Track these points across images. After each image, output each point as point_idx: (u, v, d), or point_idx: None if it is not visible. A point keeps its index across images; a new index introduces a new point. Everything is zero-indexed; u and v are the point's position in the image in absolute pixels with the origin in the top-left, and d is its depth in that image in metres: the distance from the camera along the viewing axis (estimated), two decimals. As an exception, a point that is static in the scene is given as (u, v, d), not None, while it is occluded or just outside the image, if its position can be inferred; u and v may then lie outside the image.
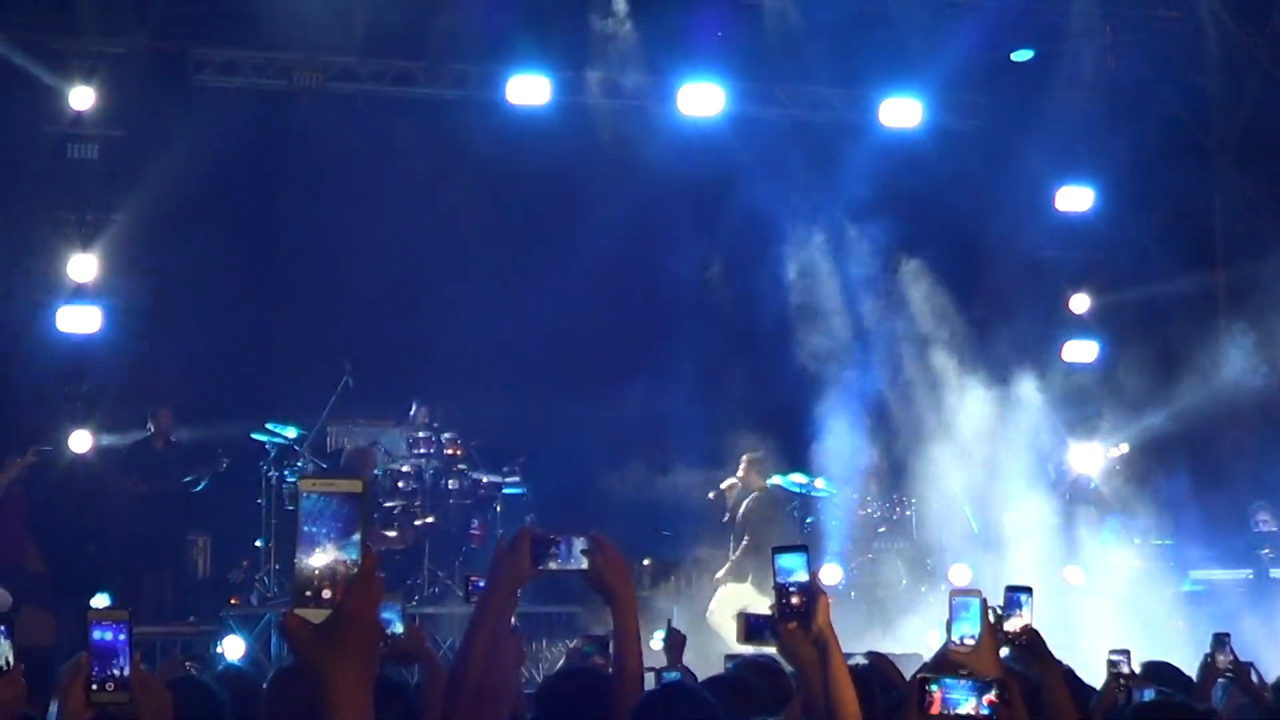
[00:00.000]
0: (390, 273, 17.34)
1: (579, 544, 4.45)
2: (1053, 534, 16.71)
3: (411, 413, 16.69)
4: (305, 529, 2.36)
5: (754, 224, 17.15)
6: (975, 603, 4.47)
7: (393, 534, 15.80)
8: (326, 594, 2.35)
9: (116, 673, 3.70)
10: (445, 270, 17.34)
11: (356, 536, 2.37)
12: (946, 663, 4.38)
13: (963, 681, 3.80)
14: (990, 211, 18.15)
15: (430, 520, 16.05)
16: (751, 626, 4.61)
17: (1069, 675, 5.60)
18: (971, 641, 4.43)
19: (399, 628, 5.55)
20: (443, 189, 17.19)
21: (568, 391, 16.77)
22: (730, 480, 16.23)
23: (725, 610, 14.86)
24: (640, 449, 16.95)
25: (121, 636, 3.72)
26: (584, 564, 4.44)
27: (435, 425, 16.46)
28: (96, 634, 3.70)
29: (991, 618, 4.53)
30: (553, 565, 4.44)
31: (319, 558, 2.35)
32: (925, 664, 6.91)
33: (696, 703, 4.57)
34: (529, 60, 16.51)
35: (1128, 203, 18.21)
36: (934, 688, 3.76)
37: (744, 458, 16.05)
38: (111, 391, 16.07)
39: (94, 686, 3.68)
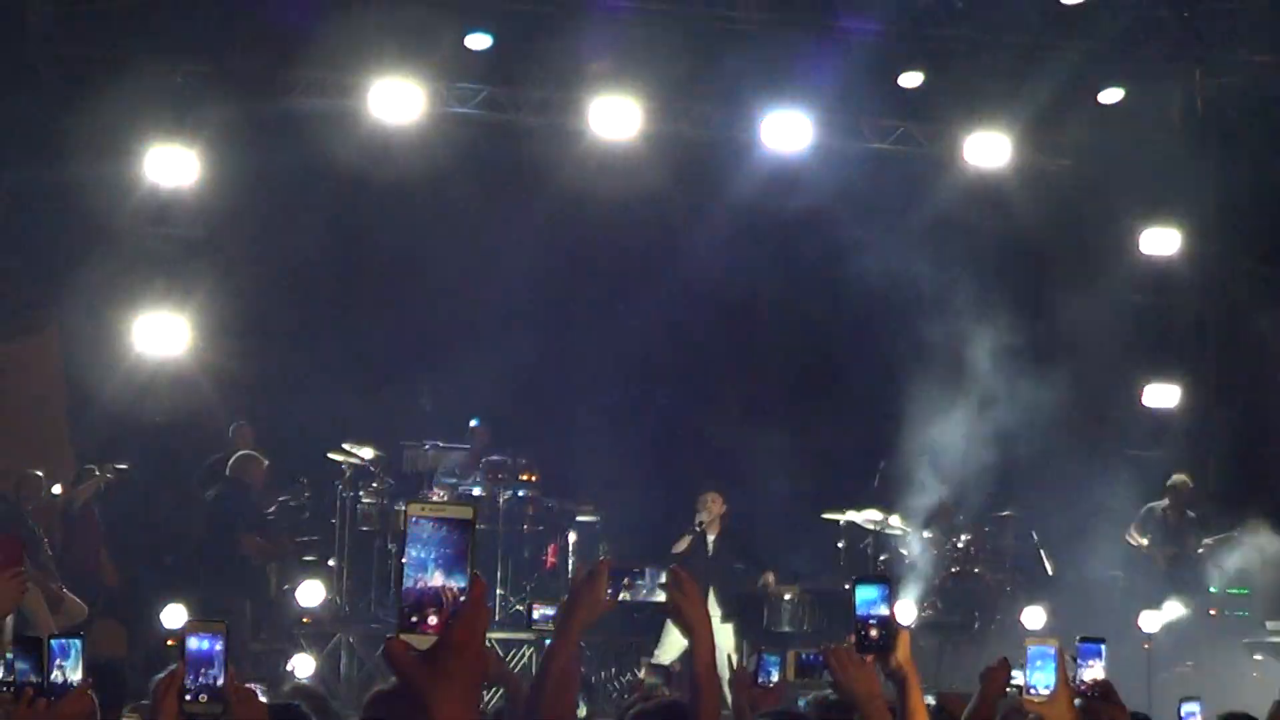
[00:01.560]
0: (470, 297, 17.39)
1: (656, 577, 4.45)
2: (1132, 579, 16.53)
3: (470, 430, 16.71)
4: (412, 554, 2.34)
5: (834, 257, 17.07)
6: (1052, 652, 4.45)
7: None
8: (432, 620, 2.33)
9: (210, 683, 3.75)
10: (525, 297, 17.37)
11: (465, 563, 2.35)
12: (1019, 711, 4.45)
13: None
14: (1075, 252, 17.99)
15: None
16: (803, 664, 4.55)
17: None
18: (1047, 692, 4.42)
19: None
20: (524, 215, 17.21)
21: (642, 421, 16.73)
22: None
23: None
24: (714, 481, 16.88)
25: (217, 647, 3.76)
26: (661, 596, 4.42)
27: (510, 450, 16.48)
28: (193, 643, 3.75)
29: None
30: (630, 596, 4.45)
31: (426, 583, 2.34)
32: (1007, 710, 6.83)
33: None
34: (614, 87, 16.50)
35: (1214, 246, 18.01)
36: None
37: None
38: (193, 408, 16.18)
39: (187, 696, 3.72)
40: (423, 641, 2.33)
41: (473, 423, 16.78)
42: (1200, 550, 16.66)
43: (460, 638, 2.33)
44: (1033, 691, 4.45)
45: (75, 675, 4.67)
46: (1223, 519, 16.77)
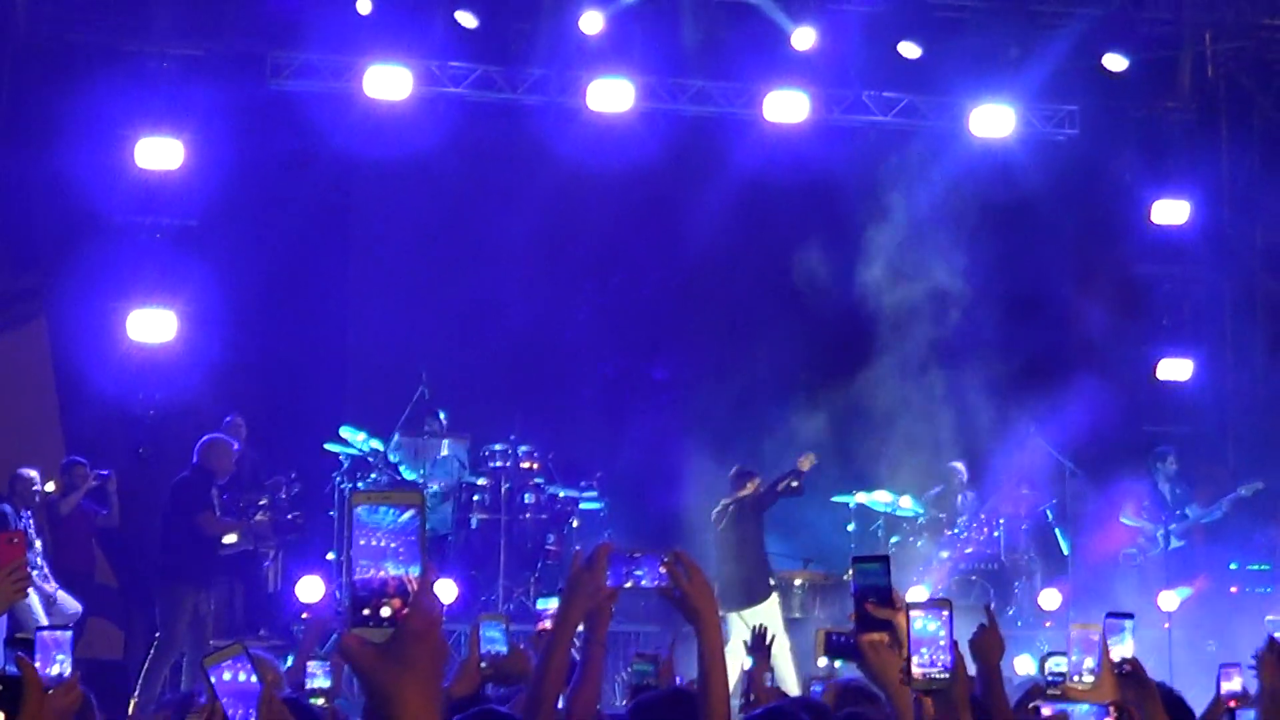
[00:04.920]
0: (466, 283, 17.18)
1: (659, 562, 4.26)
2: (1147, 557, 16.31)
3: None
4: (360, 544, 2.28)
5: (840, 233, 16.88)
6: (1096, 638, 4.39)
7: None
8: (386, 612, 2.26)
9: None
10: (522, 281, 17.16)
11: (416, 551, 2.28)
12: (1063, 697, 4.32)
13: (1080, 706, 3.58)
14: (1084, 224, 17.77)
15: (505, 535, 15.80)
16: (832, 643, 4.34)
17: (1174, 700, 5.41)
18: (1092, 679, 4.36)
19: (503, 647, 5.42)
20: (519, 197, 17.00)
21: (646, 404, 16.51)
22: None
23: None
24: (721, 464, 16.66)
25: (253, 679, 3.65)
26: (665, 583, 4.26)
27: (512, 438, 16.21)
28: (225, 675, 3.64)
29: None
30: (632, 584, 4.28)
31: (377, 575, 2.27)
32: (1028, 691, 6.61)
33: None
34: (611, 65, 16.28)
35: (1226, 216, 17.77)
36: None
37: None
38: (185, 399, 15.93)
39: None
40: (378, 635, 2.26)
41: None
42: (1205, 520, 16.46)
43: (417, 627, 2.27)
44: (1076, 678, 4.35)
45: (65, 669, 4.68)
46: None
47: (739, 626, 13.58)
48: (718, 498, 15.16)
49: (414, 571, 2.27)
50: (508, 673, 5.55)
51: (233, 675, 3.61)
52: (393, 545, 2.27)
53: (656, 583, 4.27)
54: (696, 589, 4.24)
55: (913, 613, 3.74)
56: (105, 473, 15.19)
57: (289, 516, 15.37)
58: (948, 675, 3.74)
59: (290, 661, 11.29)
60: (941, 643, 3.75)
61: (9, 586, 5.49)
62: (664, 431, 16.83)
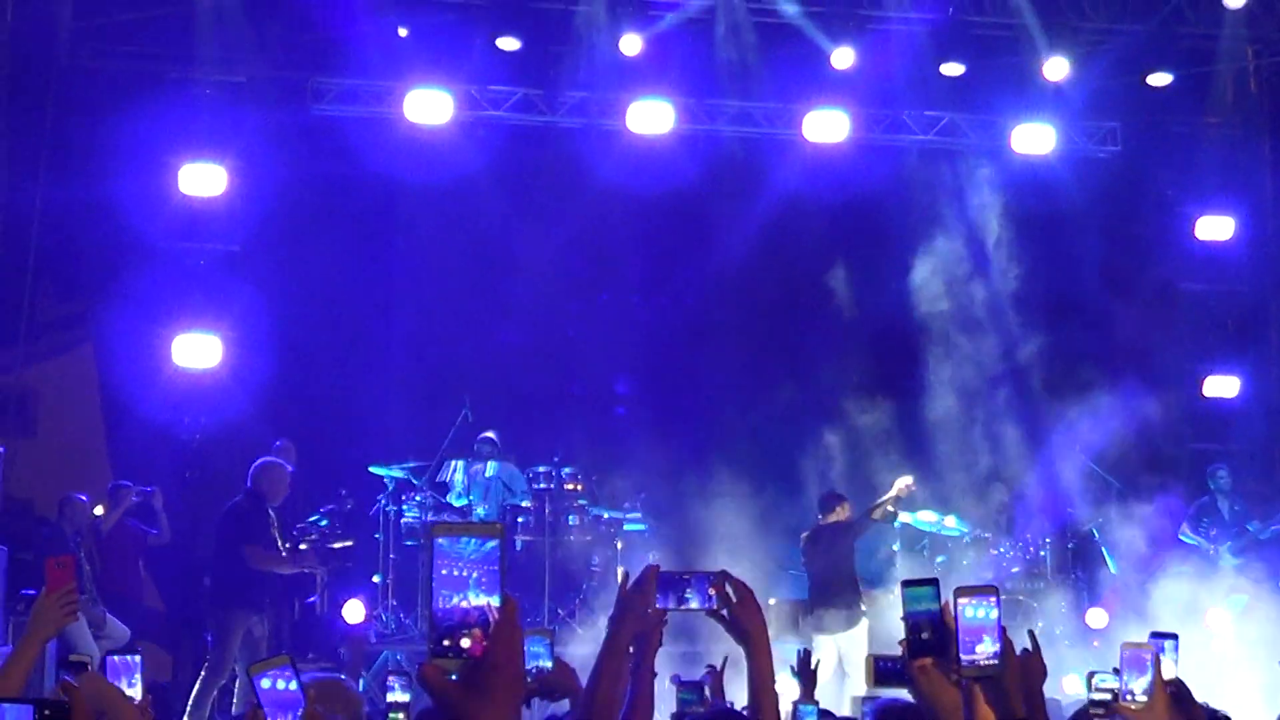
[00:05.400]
0: (507, 304, 17.19)
1: (708, 583, 4.24)
2: (1195, 577, 16.15)
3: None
4: (441, 574, 2.31)
5: (880, 252, 16.83)
6: (1148, 656, 4.29)
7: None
8: (465, 642, 2.30)
9: None
10: (562, 302, 17.19)
11: (497, 581, 2.32)
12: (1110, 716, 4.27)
13: None
14: (1127, 240, 17.67)
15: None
16: (881, 670, 4.29)
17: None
18: (1145, 699, 4.27)
19: (548, 662, 5.42)
20: (560, 219, 17.00)
21: (687, 424, 16.48)
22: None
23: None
24: (762, 484, 16.62)
25: (293, 685, 3.64)
26: (715, 604, 4.23)
27: (555, 460, 16.20)
28: (264, 683, 3.62)
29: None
30: (680, 606, 4.26)
31: (456, 605, 2.31)
32: (1077, 712, 6.52)
33: None
34: (651, 87, 16.29)
35: (1271, 231, 17.64)
36: None
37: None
38: (231, 423, 15.98)
39: None
40: (457, 665, 2.30)
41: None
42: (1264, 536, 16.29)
43: (498, 658, 2.30)
44: (1128, 698, 4.26)
45: (135, 692, 4.70)
46: None
47: (829, 650, 13.62)
48: (761, 518, 15.16)
49: (494, 601, 2.30)
50: (552, 687, 5.54)
51: (271, 683, 3.59)
52: (473, 575, 2.30)
53: (706, 605, 4.25)
54: (746, 611, 4.22)
55: (961, 600, 3.70)
56: (149, 489, 15.23)
57: (335, 545, 15.39)
58: (997, 662, 3.71)
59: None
60: (990, 630, 3.72)
61: (59, 610, 5.52)
62: (704, 451, 16.77)
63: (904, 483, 14.29)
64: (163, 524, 15.27)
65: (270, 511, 13.80)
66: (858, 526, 14.45)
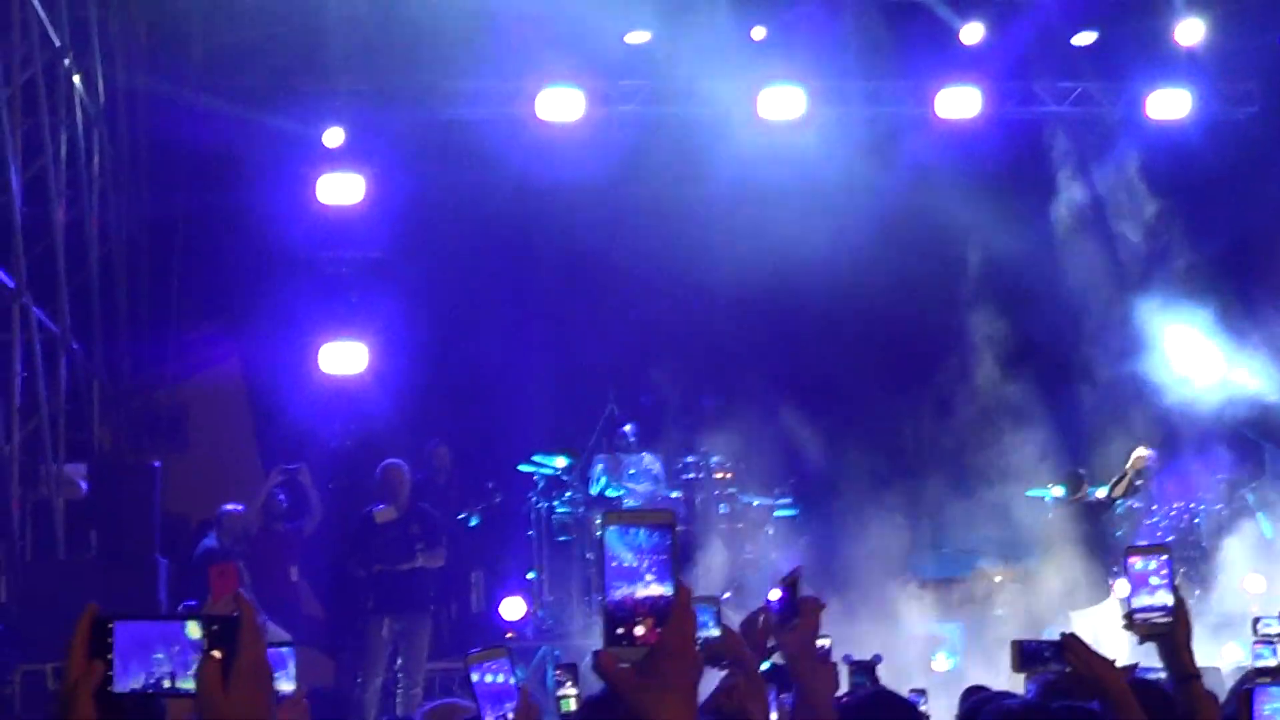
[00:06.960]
0: (646, 298, 17.17)
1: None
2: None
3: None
4: (613, 565, 2.30)
5: (1016, 225, 16.68)
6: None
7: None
8: (640, 631, 2.29)
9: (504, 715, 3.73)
10: (701, 295, 17.13)
11: (669, 569, 2.30)
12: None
13: None
14: (1264, 205, 17.43)
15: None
16: (1026, 652, 4.22)
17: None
18: (1165, 620, 3.94)
19: (715, 630, 5.45)
20: (695, 211, 16.93)
21: (829, 412, 16.44)
22: None
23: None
24: (912, 464, 16.59)
25: (511, 681, 3.74)
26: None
27: (703, 449, 16.21)
28: (474, 676, 3.72)
29: None
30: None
31: (630, 594, 2.30)
32: (1244, 675, 6.46)
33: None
34: (780, 72, 16.24)
35: None
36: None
37: None
38: (378, 429, 16.11)
39: None
40: (632, 654, 2.29)
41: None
42: None
43: (674, 645, 2.29)
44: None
45: (288, 686, 4.66)
46: None
47: (1082, 628, 13.63)
48: (909, 499, 15.18)
49: (668, 590, 2.29)
50: (716, 654, 5.54)
51: (481, 675, 3.69)
52: (645, 564, 2.30)
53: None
54: (800, 649, 4.07)
55: (1131, 559, 3.67)
56: (294, 465, 15.31)
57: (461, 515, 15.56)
58: (1169, 619, 3.67)
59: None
60: (1162, 588, 3.69)
61: (229, 608, 5.60)
62: (843, 438, 16.69)
63: (1140, 454, 14.34)
64: (313, 502, 15.25)
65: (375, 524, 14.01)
66: (1107, 502, 14.68)
